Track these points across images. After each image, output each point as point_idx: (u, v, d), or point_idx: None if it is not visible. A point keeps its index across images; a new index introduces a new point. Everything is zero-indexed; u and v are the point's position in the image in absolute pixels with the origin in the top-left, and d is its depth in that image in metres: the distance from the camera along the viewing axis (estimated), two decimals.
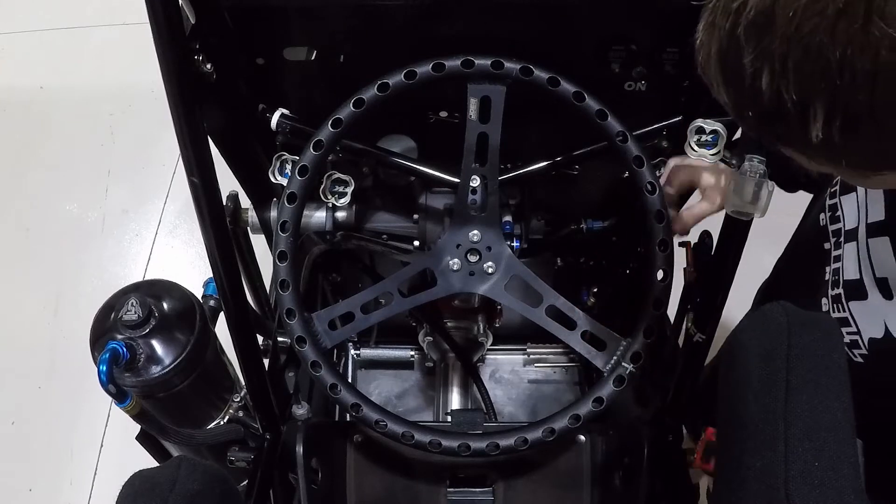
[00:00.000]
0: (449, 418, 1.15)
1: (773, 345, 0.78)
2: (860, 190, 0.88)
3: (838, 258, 0.91)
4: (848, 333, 0.87)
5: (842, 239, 0.91)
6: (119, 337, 1.16)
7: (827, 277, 0.93)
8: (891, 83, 0.50)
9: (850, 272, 0.87)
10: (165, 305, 1.20)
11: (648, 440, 1.07)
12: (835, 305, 0.89)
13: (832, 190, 0.94)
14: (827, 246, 0.94)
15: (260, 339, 1.22)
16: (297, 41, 1.07)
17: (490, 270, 1.00)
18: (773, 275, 1.19)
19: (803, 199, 1.13)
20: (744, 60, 0.55)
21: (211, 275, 1.00)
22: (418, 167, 1.13)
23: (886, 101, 0.51)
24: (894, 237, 0.81)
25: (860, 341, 0.85)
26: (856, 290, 0.86)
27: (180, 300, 1.23)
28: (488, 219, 1.01)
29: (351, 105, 0.93)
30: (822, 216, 0.97)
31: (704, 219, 1.08)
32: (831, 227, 0.94)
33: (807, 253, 1.02)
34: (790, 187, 1.10)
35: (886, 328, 0.82)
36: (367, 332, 1.61)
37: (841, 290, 0.88)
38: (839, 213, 0.92)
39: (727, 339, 0.84)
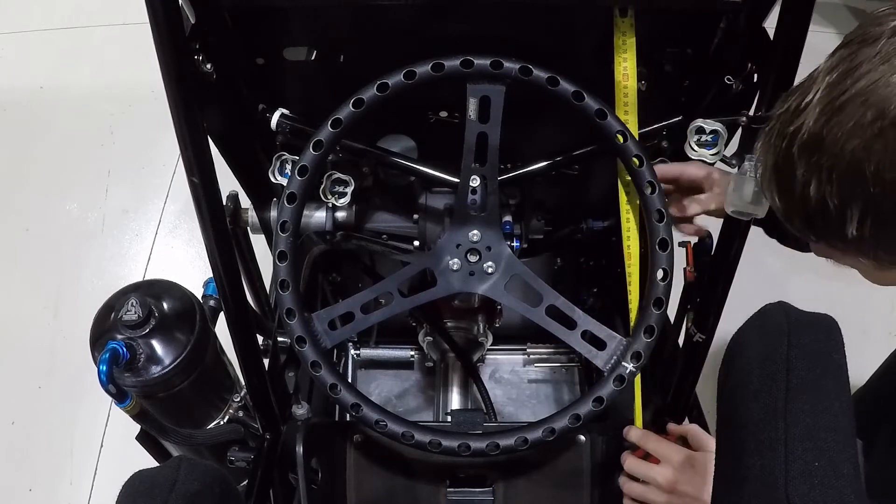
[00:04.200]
0: (449, 418, 1.15)
1: (774, 345, 0.78)
2: None
3: None
4: None
5: None
6: (119, 337, 1.16)
7: None
8: None
9: None
10: (165, 305, 1.20)
11: None
12: None
13: None
14: None
15: (260, 339, 1.22)
16: (298, 41, 1.07)
17: (490, 270, 1.00)
18: None
19: None
20: (796, 172, 0.68)
21: (211, 275, 1.00)
22: (418, 167, 1.13)
23: None
24: None
25: None
26: None
27: (180, 300, 1.23)
28: (488, 219, 1.01)
29: (350, 105, 0.93)
30: None
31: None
32: None
33: None
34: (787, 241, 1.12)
35: None
36: (367, 332, 1.61)
37: None
38: None
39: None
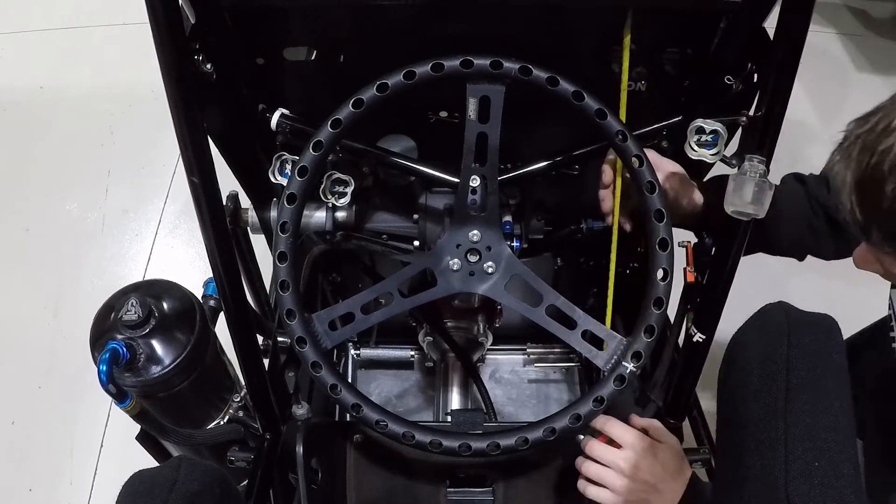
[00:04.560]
0: (449, 418, 1.15)
1: (774, 345, 0.78)
2: None
3: None
4: None
5: None
6: (119, 337, 1.16)
7: None
8: None
9: None
10: (165, 305, 1.20)
11: None
12: None
13: None
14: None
15: (260, 339, 1.22)
16: (297, 41, 1.07)
17: (490, 270, 1.00)
18: None
19: None
20: (885, 188, 0.72)
21: (211, 275, 1.00)
22: (418, 167, 1.13)
23: None
24: None
25: None
26: None
27: (180, 300, 1.23)
28: (488, 219, 1.01)
29: (350, 106, 0.93)
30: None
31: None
32: None
33: None
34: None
35: None
36: (367, 332, 1.61)
37: None
38: None
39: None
